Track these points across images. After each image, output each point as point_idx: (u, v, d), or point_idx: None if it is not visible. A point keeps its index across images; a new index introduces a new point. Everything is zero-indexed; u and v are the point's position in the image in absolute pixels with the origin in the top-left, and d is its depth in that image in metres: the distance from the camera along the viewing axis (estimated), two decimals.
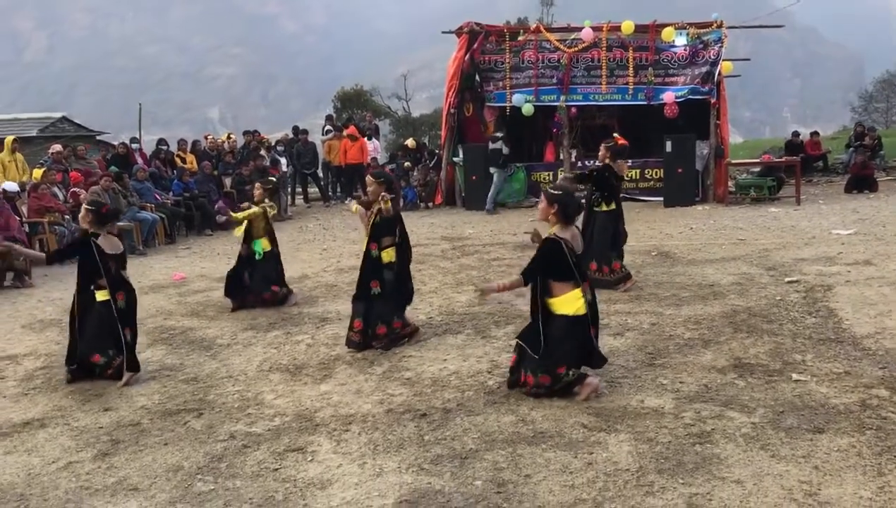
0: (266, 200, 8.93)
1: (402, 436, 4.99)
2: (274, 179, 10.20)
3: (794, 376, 5.67)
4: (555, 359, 5.41)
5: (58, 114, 22.88)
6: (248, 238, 8.87)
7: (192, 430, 5.33)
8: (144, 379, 6.50)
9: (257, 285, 8.82)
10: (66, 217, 12.89)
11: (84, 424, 5.55)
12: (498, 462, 4.52)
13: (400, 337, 6.99)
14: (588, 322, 5.48)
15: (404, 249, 7.06)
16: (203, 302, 9.26)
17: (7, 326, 8.50)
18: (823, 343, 6.44)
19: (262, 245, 8.87)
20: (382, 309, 6.92)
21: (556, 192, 5.52)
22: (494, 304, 8.32)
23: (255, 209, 8.78)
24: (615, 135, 9.68)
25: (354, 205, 7.26)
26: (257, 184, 9.17)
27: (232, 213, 9.25)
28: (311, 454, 4.82)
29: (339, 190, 20.48)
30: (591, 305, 5.52)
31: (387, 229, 6.92)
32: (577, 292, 5.45)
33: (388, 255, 6.95)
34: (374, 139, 20.86)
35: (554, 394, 5.41)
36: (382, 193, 6.77)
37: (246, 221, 8.84)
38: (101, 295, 6.32)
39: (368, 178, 7.14)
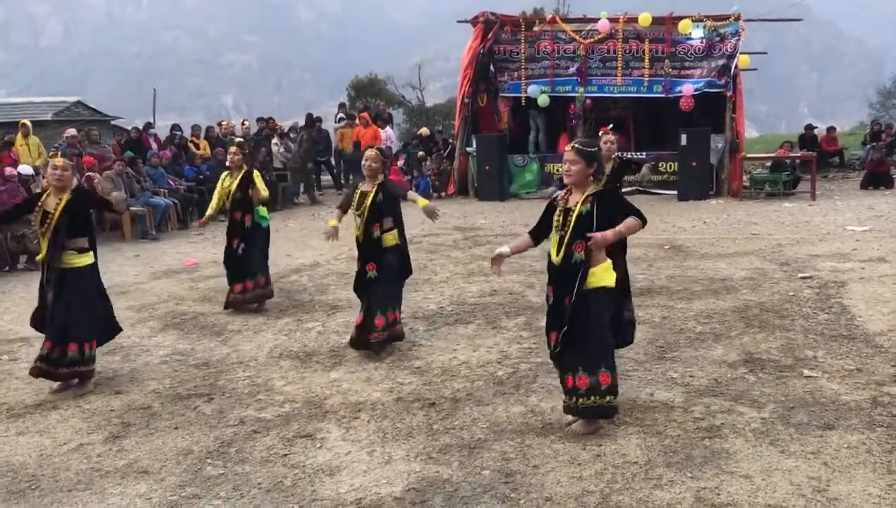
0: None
1: (411, 425, 5.01)
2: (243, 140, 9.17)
3: (806, 372, 5.64)
4: (604, 352, 4.77)
5: (72, 99, 22.92)
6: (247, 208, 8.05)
7: (202, 415, 5.36)
8: (156, 363, 6.54)
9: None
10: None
11: (95, 406, 5.59)
12: (506, 453, 4.52)
13: (393, 334, 6.56)
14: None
15: (403, 231, 6.70)
16: (214, 287, 9.29)
17: (20, 308, 8.56)
18: (835, 339, 6.40)
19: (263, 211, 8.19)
20: (381, 297, 6.47)
21: (591, 149, 4.78)
22: (505, 295, 8.32)
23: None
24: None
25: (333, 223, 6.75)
26: (233, 149, 8.22)
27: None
28: (321, 440, 4.84)
29: (351, 177, 20.47)
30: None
31: (388, 209, 6.51)
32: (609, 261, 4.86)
33: (393, 238, 6.58)
34: (388, 127, 20.83)
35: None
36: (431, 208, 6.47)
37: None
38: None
39: (371, 152, 6.60)
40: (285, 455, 4.66)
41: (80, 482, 4.42)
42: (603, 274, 4.75)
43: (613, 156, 6.86)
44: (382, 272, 6.51)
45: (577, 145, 4.79)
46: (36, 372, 5.82)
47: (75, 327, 5.84)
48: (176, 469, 4.54)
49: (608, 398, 4.68)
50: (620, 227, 4.61)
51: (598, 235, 4.57)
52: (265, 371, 6.23)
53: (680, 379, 5.60)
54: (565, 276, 4.72)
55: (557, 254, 4.76)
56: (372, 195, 6.47)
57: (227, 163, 8.28)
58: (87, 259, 5.97)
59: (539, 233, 5.02)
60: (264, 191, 8.01)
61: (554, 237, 4.82)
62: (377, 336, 6.38)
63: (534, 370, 5.92)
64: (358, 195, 6.58)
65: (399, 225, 6.66)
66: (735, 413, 4.96)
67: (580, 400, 4.67)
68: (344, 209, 6.80)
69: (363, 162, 6.63)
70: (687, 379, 5.59)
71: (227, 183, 8.10)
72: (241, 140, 9.40)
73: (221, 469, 4.51)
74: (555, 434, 4.76)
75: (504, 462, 4.40)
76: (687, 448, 4.47)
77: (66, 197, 5.87)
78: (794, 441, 4.51)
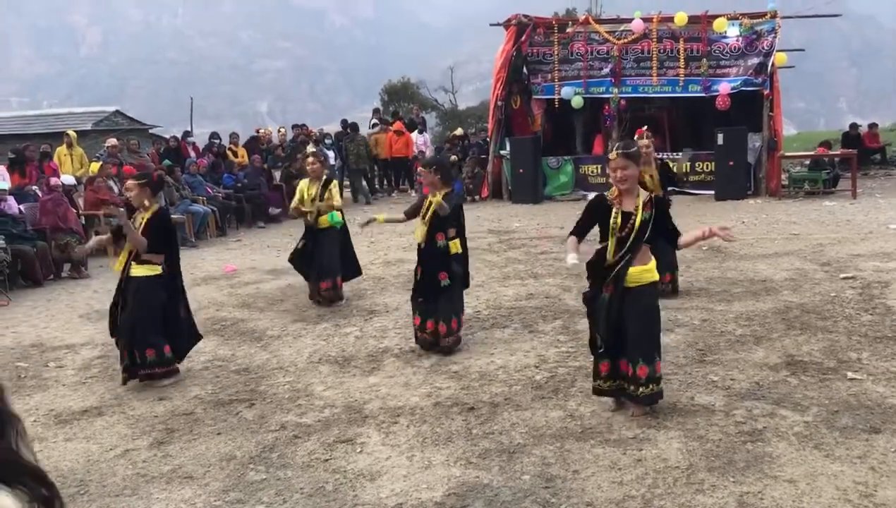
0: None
1: (450, 430, 5.02)
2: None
3: (850, 374, 5.56)
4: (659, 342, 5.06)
5: (111, 108, 23.34)
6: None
7: (244, 420, 5.43)
8: (197, 369, 6.63)
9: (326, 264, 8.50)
10: (121, 209, 13.15)
11: (140, 413, 5.69)
12: (546, 458, 4.52)
13: (458, 339, 6.69)
14: None
15: (465, 240, 6.80)
16: (253, 293, 9.40)
17: (65, 316, 8.74)
18: (880, 341, 6.29)
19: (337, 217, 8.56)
20: (448, 304, 6.58)
21: (635, 150, 4.97)
22: (542, 299, 8.30)
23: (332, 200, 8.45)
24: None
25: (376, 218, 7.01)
26: (311, 159, 8.69)
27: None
28: (361, 445, 4.88)
29: (385, 183, 20.58)
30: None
31: (452, 218, 6.55)
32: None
33: (455, 246, 6.61)
34: (423, 133, 20.89)
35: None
36: (439, 197, 6.47)
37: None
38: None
39: (422, 169, 6.93)
40: (326, 460, 4.70)
41: (126, 487, 4.50)
42: (654, 270, 5.01)
43: (654, 158, 6.94)
44: (454, 281, 6.62)
45: (622, 151, 4.87)
46: (124, 380, 6.22)
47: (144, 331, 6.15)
48: (219, 474, 4.61)
49: (661, 384, 5.05)
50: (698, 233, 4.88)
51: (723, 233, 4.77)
52: (305, 376, 6.29)
53: (721, 383, 5.55)
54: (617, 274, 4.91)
55: (615, 256, 4.91)
56: (429, 206, 6.55)
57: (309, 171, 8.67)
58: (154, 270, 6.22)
59: (582, 234, 5.17)
60: (338, 201, 8.50)
61: (612, 239, 4.92)
62: (449, 340, 6.60)
63: (572, 374, 5.90)
64: (427, 203, 6.63)
65: (462, 234, 6.75)
66: (778, 416, 4.90)
67: (640, 389, 4.93)
68: (409, 215, 6.89)
69: (423, 179, 6.85)
70: (728, 382, 5.54)
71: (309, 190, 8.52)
72: (314, 149, 9.77)
73: (264, 474, 4.57)
74: (594, 438, 4.75)
75: (544, 467, 4.40)
76: (729, 453, 4.43)
77: (146, 216, 6.21)
78: (840, 445, 4.45)
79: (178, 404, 5.82)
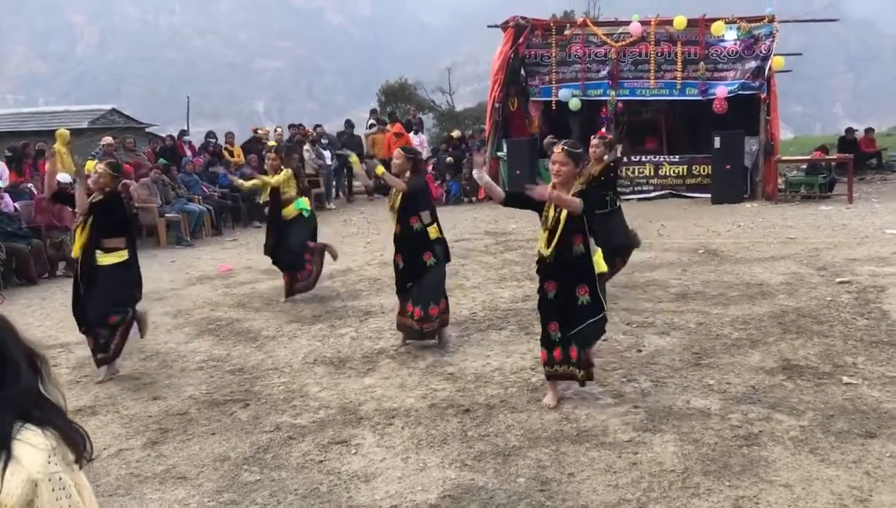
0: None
1: (446, 431, 5.01)
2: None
3: (845, 379, 5.56)
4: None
5: (108, 107, 23.22)
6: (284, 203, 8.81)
7: (238, 421, 5.41)
8: (192, 369, 6.61)
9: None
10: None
11: (134, 412, 5.67)
12: (541, 460, 4.51)
13: (443, 322, 6.80)
14: None
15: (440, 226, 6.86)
16: (249, 293, 9.38)
17: (60, 314, 8.71)
18: (876, 345, 6.30)
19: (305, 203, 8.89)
20: (431, 287, 6.65)
21: (577, 150, 5.16)
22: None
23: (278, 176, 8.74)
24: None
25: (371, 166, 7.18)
26: (271, 155, 9.09)
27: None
28: (356, 447, 4.87)
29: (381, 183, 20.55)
30: None
31: (421, 202, 6.66)
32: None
33: (434, 232, 6.69)
34: (419, 133, 20.86)
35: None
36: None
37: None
38: None
39: (397, 151, 6.92)
40: (321, 461, 4.69)
41: (119, 487, 4.48)
42: (599, 261, 5.21)
43: (606, 158, 7.61)
44: (439, 260, 6.72)
45: (565, 147, 5.11)
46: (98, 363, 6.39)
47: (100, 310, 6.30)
48: (213, 474, 4.59)
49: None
50: (566, 197, 4.93)
51: (552, 193, 4.97)
52: (300, 377, 6.27)
53: (716, 386, 5.54)
54: (563, 269, 5.12)
55: (548, 248, 5.10)
56: (396, 194, 6.68)
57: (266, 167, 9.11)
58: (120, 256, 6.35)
59: (513, 195, 5.54)
60: (267, 179, 8.79)
61: (543, 234, 5.16)
62: (429, 326, 6.65)
63: None
64: (392, 194, 6.77)
65: (437, 219, 6.80)
66: (773, 420, 4.90)
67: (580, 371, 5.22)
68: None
69: (393, 161, 6.85)
70: (724, 386, 5.54)
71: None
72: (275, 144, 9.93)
73: (258, 475, 4.55)
74: (590, 441, 4.74)
75: (539, 470, 4.39)
76: (724, 457, 4.42)
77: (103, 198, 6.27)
78: (835, 450, 4.44)
79: (173, 404, 5.80)
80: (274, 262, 9.08)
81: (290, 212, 8.80)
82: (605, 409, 5.20)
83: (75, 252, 6.45)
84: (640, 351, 6.41)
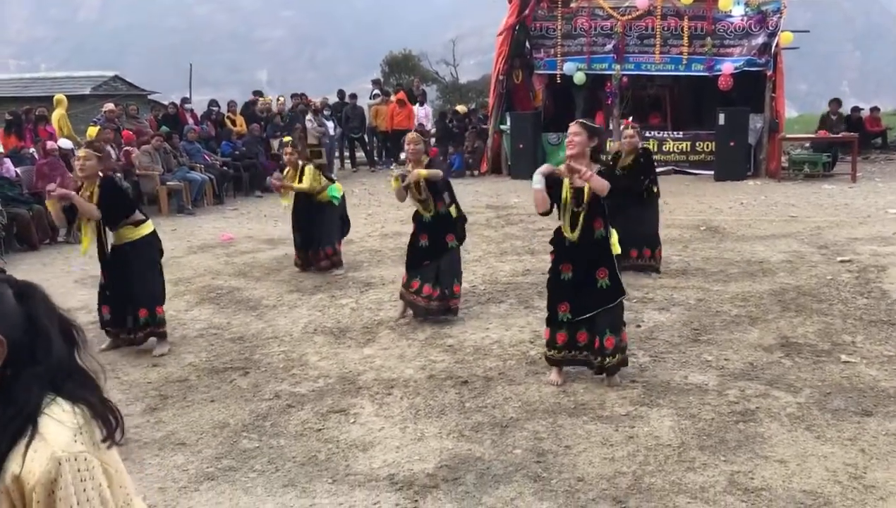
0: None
1: (444, 402, 5.04)
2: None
3: (843, 357, 5.57)
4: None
5: (110, 73, 23.11)
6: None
7: (238, 388, 5.44)
8: (192, 336, 6.63)
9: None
10: (118, 175, 13.09)
11: (133, 379, 5.69)
12: (538, 432, 4.53)
13: (454, 304, 6.76)
14: None
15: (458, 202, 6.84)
16: (250, 262, 9.38)
17: (60, 281, 8.72)
18: (875, 324, 6.31)
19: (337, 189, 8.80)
20: (451, 268, 6.67)
21: (594, 125, 5.16)
22: (538, 274, 8.29)
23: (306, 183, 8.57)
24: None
25: (396, 173, 6.75)
26: (287, 150, 8.87)
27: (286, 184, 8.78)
28: (354, 416, 4.89)
29: (384, 155, 20.47)
30: None
31: (442, 184, 6.60)
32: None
33: (455, 210, 6.70)
34: (424, 105, 20.74)
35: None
36: (399, 174, 6.57)
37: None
38: None
39: (411, 135, 6.68)
40: (319, 429, 4.72)
41: (119, 452, 4.50)
42: (614, 243, 5.15)
43: (638, 147, 7.70)
44: (459, 242, 6.77)
45: (581, 120, 5.14)
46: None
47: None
48: (212, 441, 4.62)
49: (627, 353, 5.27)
50: (598, 178, 4.85)
51: (585, 172, 4.84)
52: (300, 346, 6.29)
53: (715, 362, 5.56)
54: (585, 252, 5.07)
55: (573, 232, 5.05)
56: (424, 176, 6.45)
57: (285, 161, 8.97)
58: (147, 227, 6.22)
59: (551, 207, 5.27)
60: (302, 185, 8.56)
61: (566, 215, 5.08)
62: (455, 303, 6.73)
63: None
64: (415, 180, 6.51)
65: (454, 198, 6.77)
66: (770, 397, 4.92)
67: (607, 359, 5.10)
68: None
69: (406, 146, 6.68)
70: (722, 363, 5.55)
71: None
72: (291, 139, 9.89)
73: (257, 442, 4.58)
74: (587, 414, 4.76)
75: (536, 442, 4.41)
76: (721, 432, 4.45)
77: (93, 188, 6.04)
78: (831, 427, 4.47)
79: (172, 371, 5.83)
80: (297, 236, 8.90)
81: (324, 197, 8.68)
82: (602, 383, 5.22)
83: (83, 250, 6.31)
84: (639, 326, 6.42)
